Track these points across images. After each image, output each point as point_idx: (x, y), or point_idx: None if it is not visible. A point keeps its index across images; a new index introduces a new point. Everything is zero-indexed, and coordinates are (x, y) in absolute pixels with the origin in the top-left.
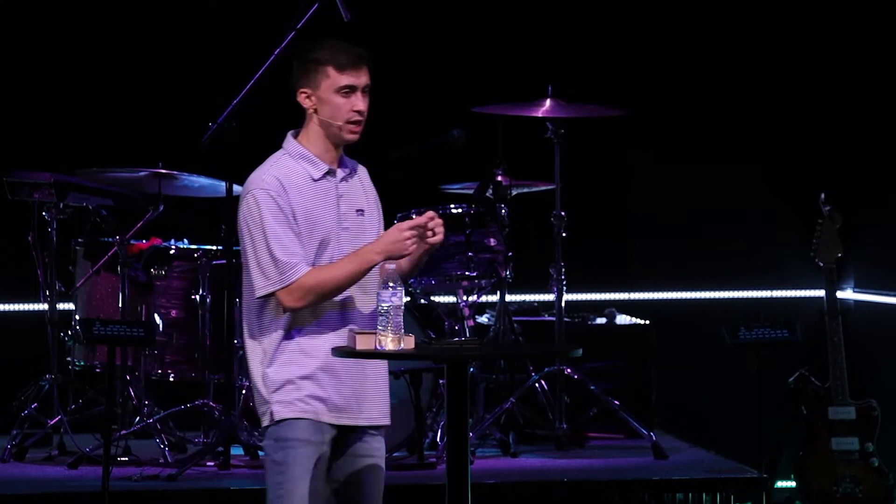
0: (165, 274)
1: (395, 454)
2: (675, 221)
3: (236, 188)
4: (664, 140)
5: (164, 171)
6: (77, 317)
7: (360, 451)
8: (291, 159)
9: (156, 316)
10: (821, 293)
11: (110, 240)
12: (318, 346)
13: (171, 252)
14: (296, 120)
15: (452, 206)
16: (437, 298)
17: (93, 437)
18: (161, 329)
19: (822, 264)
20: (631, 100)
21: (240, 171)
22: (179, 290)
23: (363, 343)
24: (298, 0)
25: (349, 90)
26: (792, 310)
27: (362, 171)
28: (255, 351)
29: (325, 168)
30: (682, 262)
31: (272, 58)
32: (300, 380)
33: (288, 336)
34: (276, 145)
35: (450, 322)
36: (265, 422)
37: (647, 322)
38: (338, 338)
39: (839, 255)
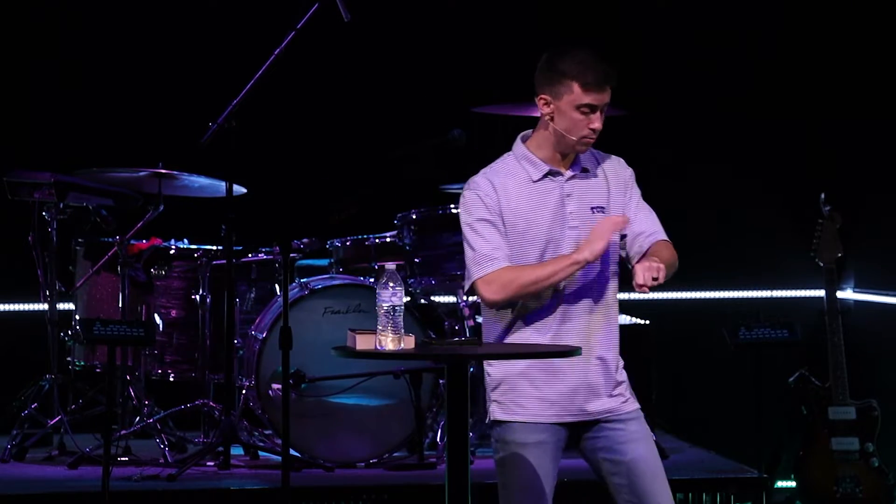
0: (165, 274)
1: (395, 454)
2: (675, 221)
3: (236, 188)
4: (664, 140)
5: (164, 171)
6: (77, 317)
7: (616, 439)
8: (514, 160)
9: (156, 316)
10: (821, 293)
11: (110, 240)
12: (534, 342)
13: (171, 252)
14: (298, 119)
15: (452, 206)
16: (437, 298)
17: (93, 437)
18: (161, 329)
19: (822, 264)
20: (631, 100)
21: (240, 171)
22: (179, 290)
23: (363, 343)
24: (298, 0)
25: (589, 109)
26: (792, 310)
27: (611, 165)
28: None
29: (547, 169)
30: (682, 262)
31: (272, 58)
32: (515, 378)
33: (506, 333)
34: (277, 145)
35: (450, 322)
36: (487, 418)
37: (647, 322)
38: (555, 335)
39: (839, 255)
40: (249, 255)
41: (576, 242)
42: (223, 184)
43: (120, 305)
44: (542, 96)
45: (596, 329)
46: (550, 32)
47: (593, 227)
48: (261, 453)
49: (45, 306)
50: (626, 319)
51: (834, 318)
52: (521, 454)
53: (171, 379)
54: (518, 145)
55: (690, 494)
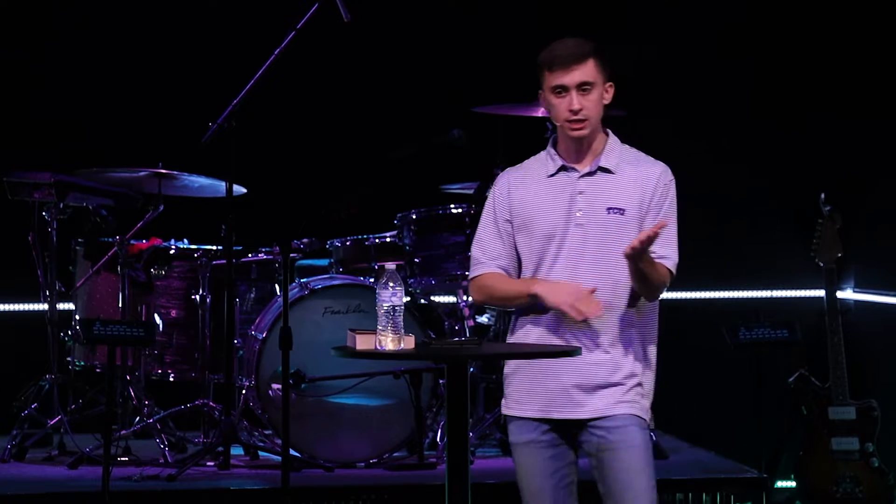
0: (165, 274)
1: (395, 454)
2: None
3: (236, 188)
4: (664, 140)
5: (164, 171)
6: (77, 317)
7: (598, 446)
8: (544, 155)
9: (156, 316)
10: (821, 293)
11: (110, 240)
12: (526, 341)
13: (171, 252)
14: (298, 119)
15: (452, 206)
16: (437, 298)
17: (93, 437)
18: (161, 329)
19: (822, 264)
20: (631, 100)
21: (240, 171)
22: (179, 290)
23: (363, 343)
24: (298, 0)
25: (562, 90)
26: (792, 310)
27: (647, 170)
28: None
29: (561, 163)
30: (681, 262)
31: (272, 58)
32: (510, 375)
33: (512, 332)
34: (277, 145)
35: (450, 322)
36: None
37: None
38: (546, 335)
39: (839, 255)
40: (249, 255)
41: (582, 239)
42: (223, 184)
43: (120, 305)
44: (540, 92)
45: (597, 329)
46: (550, 32)
47: (572, 286)
48: (261, 453)
49: (45, 306)
50: None
51: (834, 318)
52: (522, 451)
53: (171, 379)
54: (550, 142)
55: (690, 494)
